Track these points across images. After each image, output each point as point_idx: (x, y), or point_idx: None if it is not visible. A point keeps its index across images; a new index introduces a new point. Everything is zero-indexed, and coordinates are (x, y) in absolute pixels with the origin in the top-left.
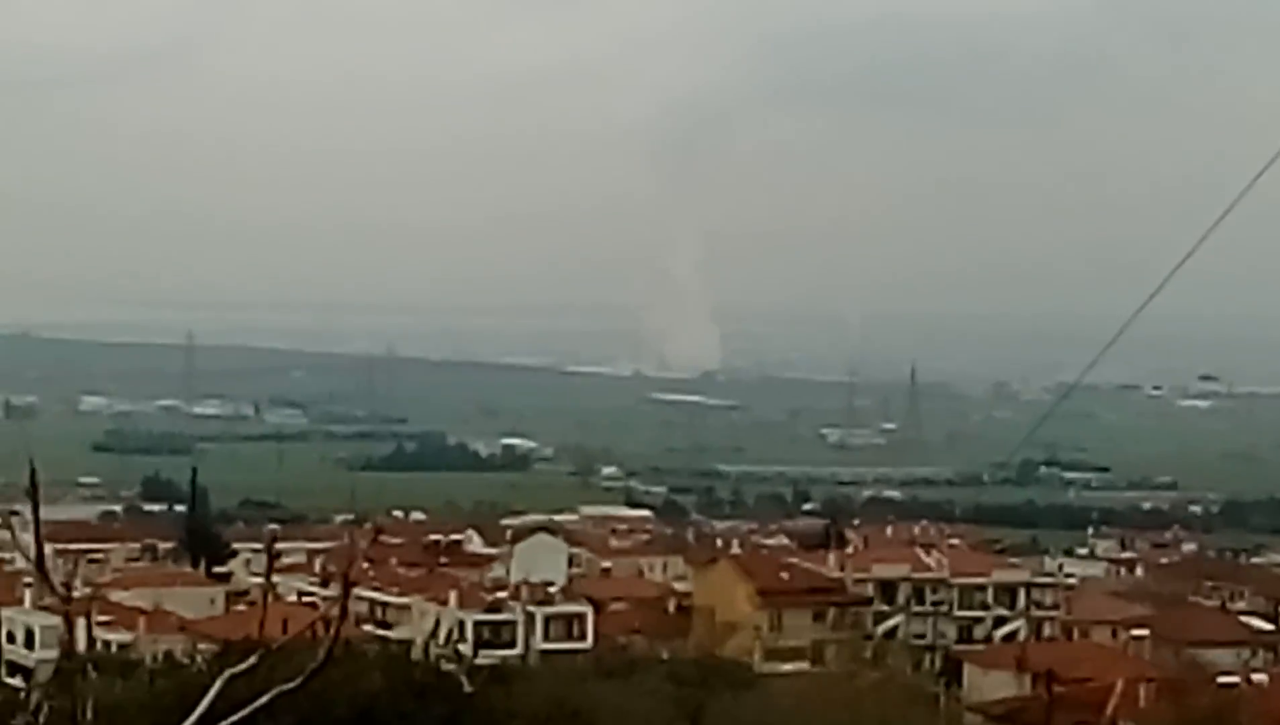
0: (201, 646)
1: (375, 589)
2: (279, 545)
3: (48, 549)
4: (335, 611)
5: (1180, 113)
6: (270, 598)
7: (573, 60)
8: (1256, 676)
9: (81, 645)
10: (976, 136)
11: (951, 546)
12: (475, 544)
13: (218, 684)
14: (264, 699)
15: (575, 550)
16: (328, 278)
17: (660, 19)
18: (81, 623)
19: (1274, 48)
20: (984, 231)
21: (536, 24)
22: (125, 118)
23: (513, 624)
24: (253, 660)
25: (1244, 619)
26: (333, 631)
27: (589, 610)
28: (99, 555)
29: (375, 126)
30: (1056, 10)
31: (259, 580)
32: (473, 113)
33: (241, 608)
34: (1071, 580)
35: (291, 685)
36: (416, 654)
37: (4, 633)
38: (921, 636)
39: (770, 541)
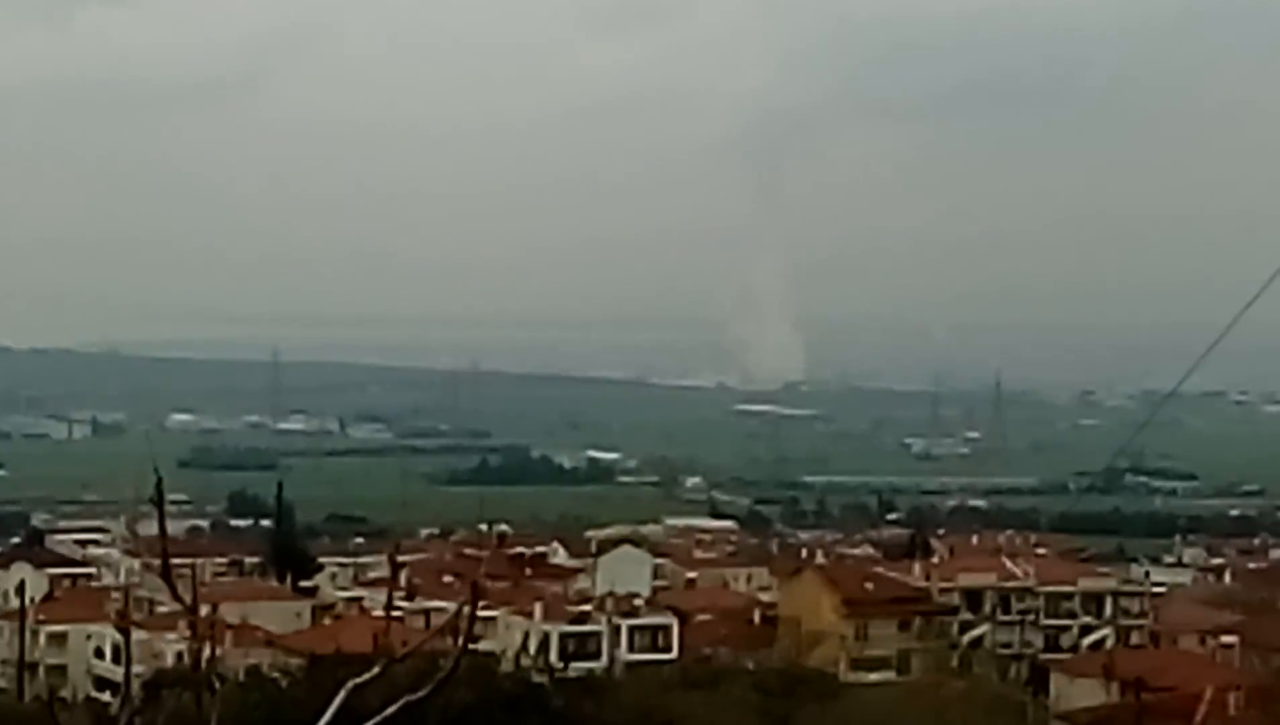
0: (289, 660)
1: (461, 602)
2: (365, 559)
3: (134, 564)
4: (461, 622)
5: (1265, 130)
6: (356, 611)
7: (660, 80)
8: None
9: (169, 661)
10: (1062, 152)
11: (1038, 555)
12: (560, 556)
13: (341, 694)
14: (392, 708)
15: (660, 561)
16: (412, 294)
17: (747, 38)
18: (204, 642)
19: None
20: (1065, 243)
21: (623, 46)
22: (210, 141)
23: (598, 636)
24: (376, 670)
25: None
26: (460, 641)
27: (674, 621)
28: (186, 570)
29: (464, 151)
30: (1142, 27)
31: (345, 594)
32: (554, 138)
33: (328, 621)
34: (1159, 588)
35: (419, 694)
36: (506, 666)
37: (92, 648)
38: (1008, 645)
39: (855, 551)
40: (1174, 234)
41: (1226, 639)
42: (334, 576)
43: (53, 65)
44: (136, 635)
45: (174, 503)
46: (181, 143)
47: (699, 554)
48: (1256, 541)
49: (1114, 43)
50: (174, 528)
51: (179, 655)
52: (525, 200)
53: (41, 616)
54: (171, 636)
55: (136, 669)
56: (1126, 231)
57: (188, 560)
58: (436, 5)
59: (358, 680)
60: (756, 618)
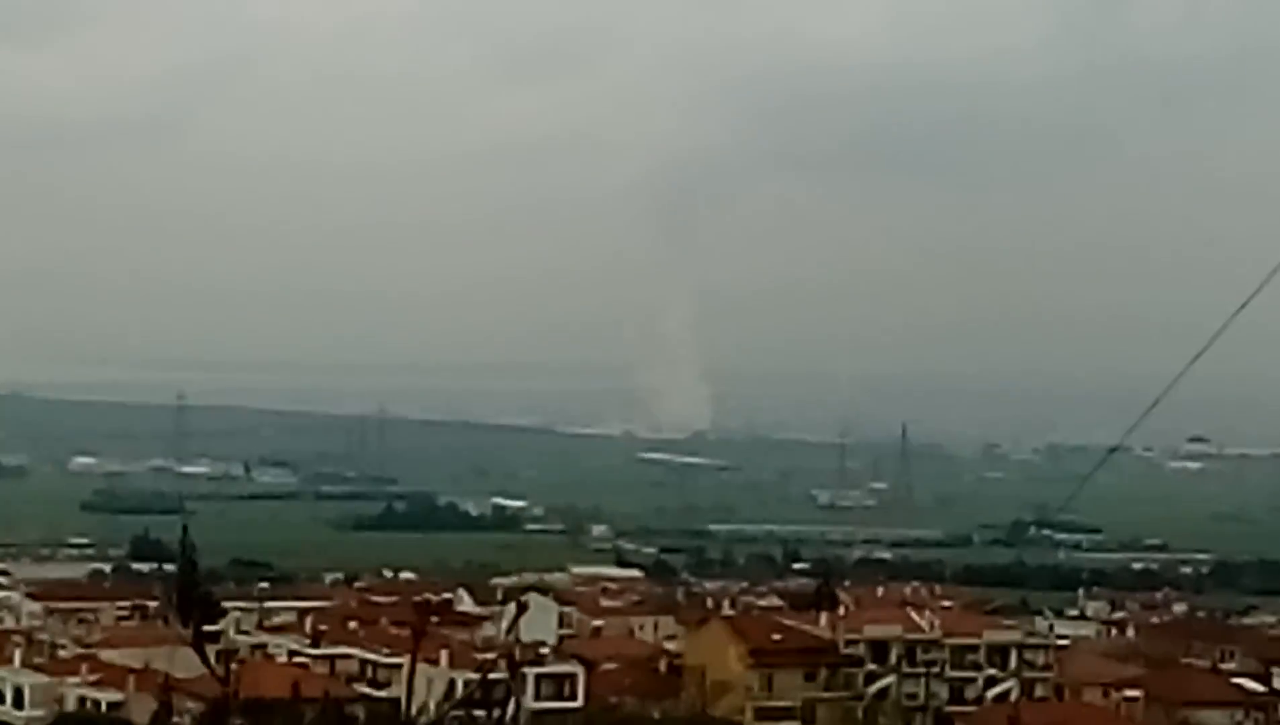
0: (190, 705)
1: (366, 649)
2: (269, 605)
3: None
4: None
5: (1171, 179)
6: (260, 657)
7: (568, 127)
8: None
9: (71, 705)
10: (967, 200)
11: (943, 607)
12: (466, 603)
13: None
14: None
15: (566, 610)
16: (319, 339)
17: (656, 86)
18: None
19: (1267, 116)
20: (973, 293)
21: (531, 92)
22: (117, 183)
23: (504, 684)
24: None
25: (1235, 680)
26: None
27: (580, 670)
28: (89, 614)
29: (369, 192)
30: (1048, 77)
31: (249, 640)
32: (466, 178)
33: (232, 667)
34: (1063, 641)
35: None
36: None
37: None
38: (913, 697)
39: (761, 602)
40: (1076, 286)
41: (1130, 692)
42: (238, 622)
43: None
44: (38, 679)
45: (76, 546)
46: (89, 181)
47: (605, 602)
48: (1159, 596)
49: (1016, 95)
50: (76, 571)
51: (81, 700)
52: (433, 241)
53: None
54: (73, 680)
55: (38, 713)
56: (1030, 283)
57: (90, 604)
58: (353, 45)
59: None
60: (662, 667)
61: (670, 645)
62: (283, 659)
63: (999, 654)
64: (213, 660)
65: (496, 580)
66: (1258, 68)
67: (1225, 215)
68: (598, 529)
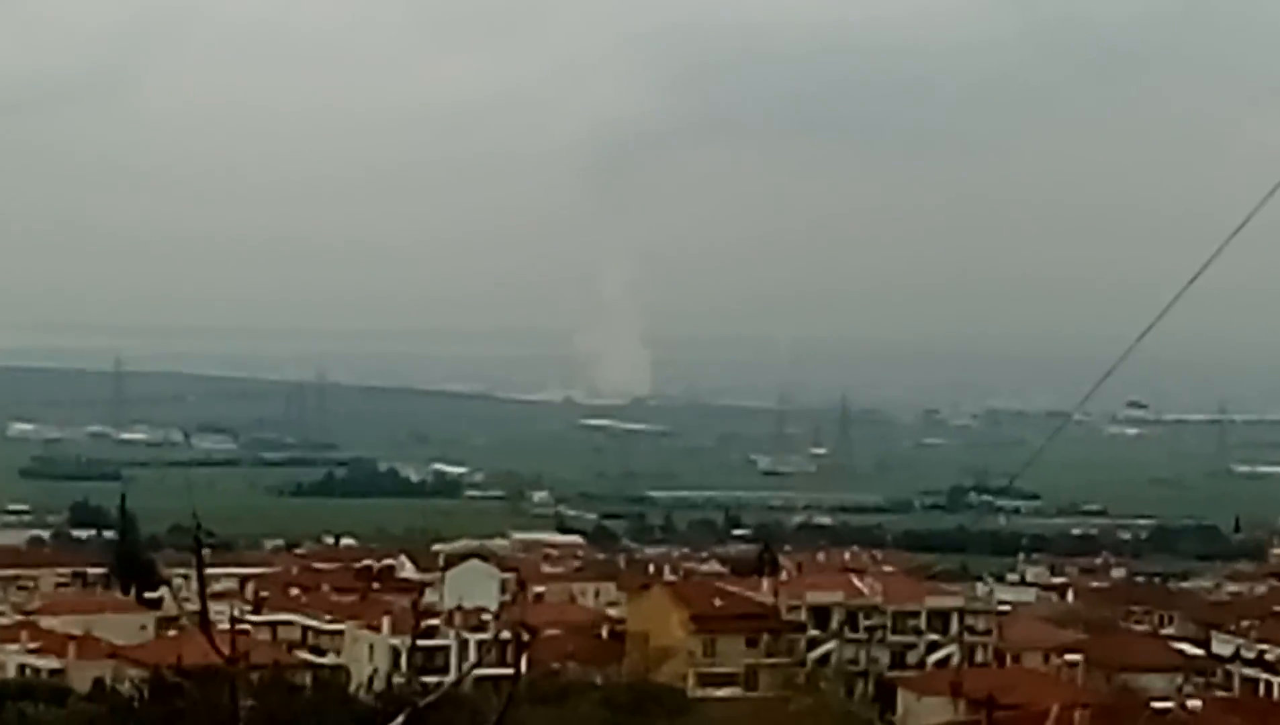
0: (132, 672)
1: (308, 615)
2: (210, 571)
3: None
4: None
5: (1111, 141)
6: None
7: (505, 89)
8: (1191, 702)
9: (11, 673)
10: (906, 163)
11: (884, 573)
12: (407, 570)
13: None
14: None
15: (507, 576)
16: (258, 303)
17: (593, 48)
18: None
19: (1192, 74)
20: (911, 257)
21: (469, 53)
22: (53, 144)
23: (446, 650)
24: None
25: (1175, 644)
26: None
27: (522, 636)
28: (28, 582)
29: (305, 153)
30: (981, 40)
31: (190, 607)
32: (404, 139)
33: (172, 633)
34: (1003, 607)
35: None
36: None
37: None
38: (855, 662)
39: (703, 568)
40: (1016, 250)
41: (1070, 657)
42: (178, 589)
43: None
44: None
45: (14, 513)
46: (24, 144)
47: (546, 568)
48: (1098, 561)
49: (955, 55)
50: (15, 538)
51: (21, 667)
52: (370, 205)
53: None
54: (13, 647)
55: None
56: (969, 246)
57: (29, 571)
58: (286, 5)
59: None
60: (604, 633)
61: (612, 611)
62: (224, 626)
63: (940, 619)
64: (154, 626)
65: (437, 546)
66: (1195, 25)
67: (1166, 178)
68: (538, 495)
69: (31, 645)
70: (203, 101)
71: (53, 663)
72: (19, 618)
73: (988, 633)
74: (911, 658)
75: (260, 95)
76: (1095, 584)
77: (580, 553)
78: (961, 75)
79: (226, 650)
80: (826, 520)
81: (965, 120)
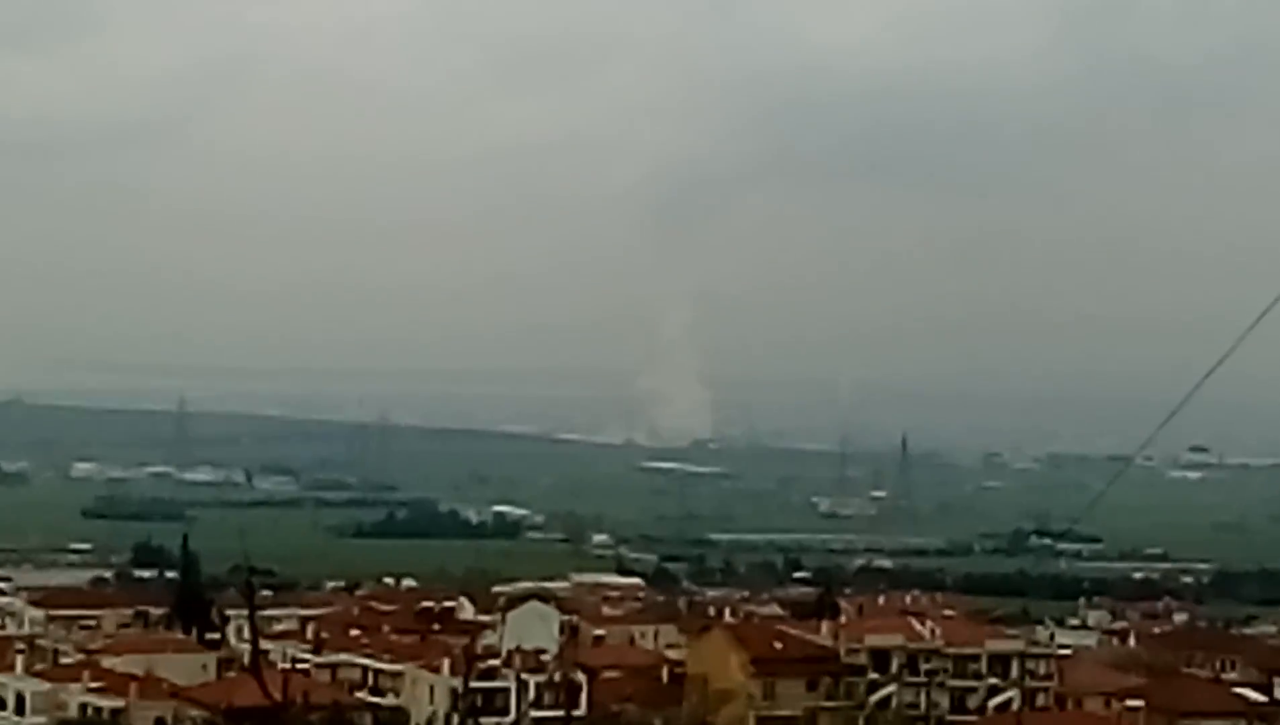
0: (193, 713)
1: (368, 656)
2: (271, 612)
3: (37, 614)
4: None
5: (1174, 183)
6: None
7: (566, 131)
8: None
9: (73, 712)
10: (968, 205)
11: (944, 616)
12: (467, 611)
13: None
14: None
15: (567, 618)
16: (320, 345)
17: (657, 91)
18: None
19: (1257, 117)
20: (974, 299)
21: (531, 96)
22: (118, 187)
23: (506, 691)
24: None
25: (1237, 690)
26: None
27: (583, 678)
28: (91, 621)
29: (372, 197)
30: (1044, 83)
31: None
32: (467, 182)
33: (233, 674)
34: (1064, 650)
35: None
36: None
37: None
38: (915, 706)
39: (763, 610)
40: (1079, 293)
41: (1132, 702)
42: (240, 629)
43: None
44: (40, 686)
45: (77, 552)
46: (91, 186)
47: (606, 610)
48: (1160, 605)
49: (1016, 99)
50: (78, 578)
51: (83, 706)
52: (434, 248)
53: None
54: (76, 687)
55: (39, 720)
56: (1031, 289)
57: (92, 611)
58: (353, 48)
59: None
60: (664, 675)
61: (672, 653)
62: (285, 666)
63: (1000, 663)
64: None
65: (498, 588)
66: (1258, 69)
67: (1229, 220)
68: (599, 537)
69: (93, 684)
70: (268, 146)
71: (115, 702)
72: (81, 657)
73: (1049, 677)
74: (972, 702)
75: (324, 140)
76: (1157, 628)
77: (640, 595)
78: (1024, 118)
79: (281, 691)
80: (887, 563)
81: (1027, 163)
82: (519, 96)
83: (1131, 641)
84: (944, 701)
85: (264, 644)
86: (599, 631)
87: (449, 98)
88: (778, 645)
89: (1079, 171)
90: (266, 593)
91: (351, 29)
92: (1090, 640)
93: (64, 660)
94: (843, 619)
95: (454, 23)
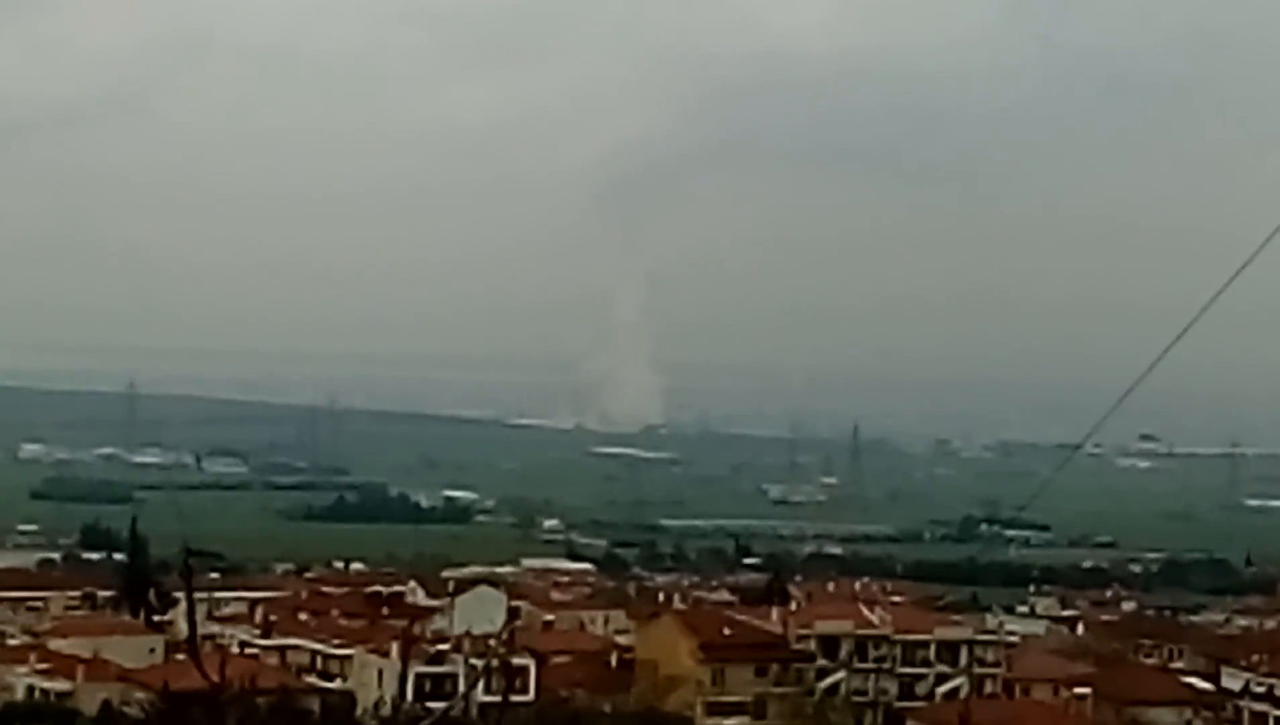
0: (140, 695)
1: (317, 640)
2: (219, 595)
3: None
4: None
5: (1121, 170)
6: (211, 647)
7: (519, 113)
8: None
9: (20, 695)
10: (918, 190)
11: (894, 603)
12: (417, 596)
13: None
14: None
15: (517, 603)
16: (270, 326)
17: (609, 72)
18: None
19: (1209, 103)
20: (925, 285)
21: (487, 76)
22: (67, 165)
23: (454, 676)
24: None
25: (1185, 678)
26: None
27: (531, 663)
28: (38, 603)
29: (319, 174)
30: (997, 67)
31: (201, 630)
32: (418, 162)
33: (181, 657)
34: (1013, 638)
35: None
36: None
37: None
38: (863, 693)
39: (712, 596)
40: (1028, 281)
41: (1080, 690)
42: (187, 612)
43: None
44: None
45: (25, 534)
46: (36, 166)
47: (556, 595)
48: (1109, 593)
49: (967, 82)
50: (25, 560)
51: (30, 689)
52: (381, 230)
53: None
54: (22, 669)
55: None
56: (981, 277)
57: (39, 593)
58: (310, 24)
59: None
60: (614, 661)
61: (621, 639)
62: (234, 650)
63: (949, 650)
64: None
65: (447, 572)
66: (1211, 52)
67: (1181, 208)
68: (549, 522)
69: (41, 667)
70: (216, 123)
71: (62, 685)
72: (28, 639)
73: (997, 664)
74: (920, 689)
75: (274, 117)
76: (1105, 617)
77: (590, 580)
78: (977, 102)
79: (222, 674)
80: (837, 550)
81: (979, 148)
82: (472, 76)
83: (1080, 629)
84: (892, 688)
85: (212, 627)
86: (548, 616)
87: (403, 76)
88: (727, 631)
89: (1032, 155)
90: (215, 576)
91: (306, 5)
92: (1039, 628)
93: (11, 642)
94: (792, 605)
95: (409, 0)
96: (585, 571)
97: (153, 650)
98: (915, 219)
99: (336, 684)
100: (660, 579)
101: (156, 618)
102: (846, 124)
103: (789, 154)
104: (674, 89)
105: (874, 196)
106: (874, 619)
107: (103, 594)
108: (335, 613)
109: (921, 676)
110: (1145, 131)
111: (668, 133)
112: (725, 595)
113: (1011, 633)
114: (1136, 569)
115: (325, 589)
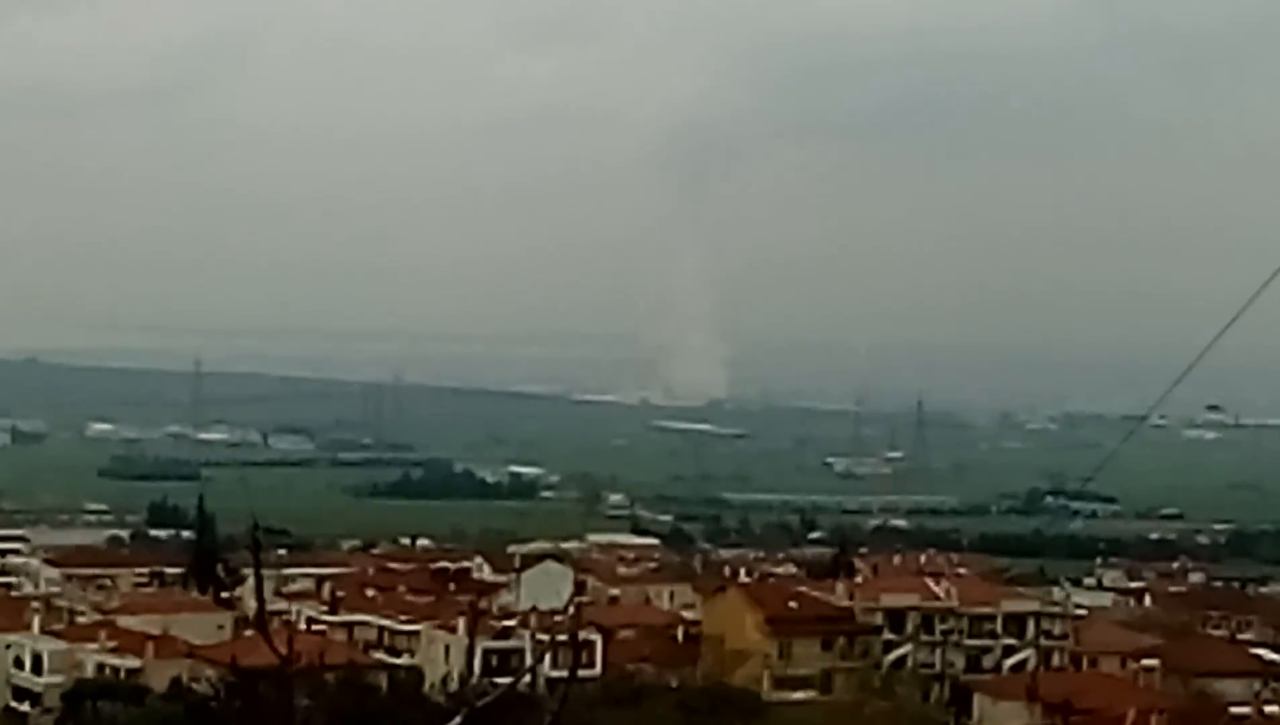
0: (208, 672)
1: (384, 616)
2: (287, 572)
3: (54, 574)
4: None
5: (1189, 149)
6: (278, 624)
7: (583, 94)
8: (1269, 708)
9: (90, 672)
10: (986, 170)
11: (960, 576)
12: (483, 572)
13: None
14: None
15: (583, 578)
16: (336, 306)
17: (674, 53)
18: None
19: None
20: (991, 263)
21: (546, 60)
22: (138, 147)
23: (521, 651)
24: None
25: (1252, 650)
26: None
27: (597, 638)
28: (107, 581)
29: (387, 161)
30: (1065, 48)
31: (270, 607)
32: (484, 147)
33: (249, 633)
34: (1080, 611)
35: None
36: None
37: (11, 658)
38: (930, 666)
39: (778, 570)
40: (1094, 256)
41: (1147, 662)
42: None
43: None
44: (56, 645)
45: (93, 512)
46: (106, 149)
47: (622, 570)
48: (1175, 565)
49: (1036, 64)
50: (94, 537)
51: (100, 666)
52: (448, 211)
53: None
54: (92, 647)
55: (56, 679)
56: (1047, 252)
57: (108, 570)
58: (366, 13)
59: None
60: (680, 635)
61: (687, 614)
62: (301, 626)
63: (1016, 623)
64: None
65: (513, 548)
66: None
67: (1244, 186)
68: (614, 497)
69: (110, 644)
70: (281, 112)
71: (131, 662)
72: (98, 617)
73: (1064, 637)
74: (987, 662)
75: (336, 107)
76: (1172, 588)
77: (656, 555)
78: (1044, 83)
79: (291, 650)
80: (902, 523)
81: (1045, 128)
82: (533, 60)
83: (1147, 601)
84: (959, 661)
85: (280, 604)
86: (614, 591)
87: (463, 63)
88: (793, 605)
89: (1097, 137)
90: (282, 552)
91: None
92: (1106, 600)
93: (80, 620)
94: (858, 579)
95: None
96: (651, 546)
97: (221, 627)
98: (980, 197)
99: (404, 660)
100: (725, 553)
101: (224, 594)
102: (910, 104)
103: (851, 134)
104: (738, 70)
105: (937, 176)
106: (940, 592)
107: (171, 571)
108: (402, 589)
109: (988, 649)
110: (1210, 113)
111: (731, 112)
112: (791, 569)
113: (1078, 605)
114: (1204, 540)
115: (392, 565)
